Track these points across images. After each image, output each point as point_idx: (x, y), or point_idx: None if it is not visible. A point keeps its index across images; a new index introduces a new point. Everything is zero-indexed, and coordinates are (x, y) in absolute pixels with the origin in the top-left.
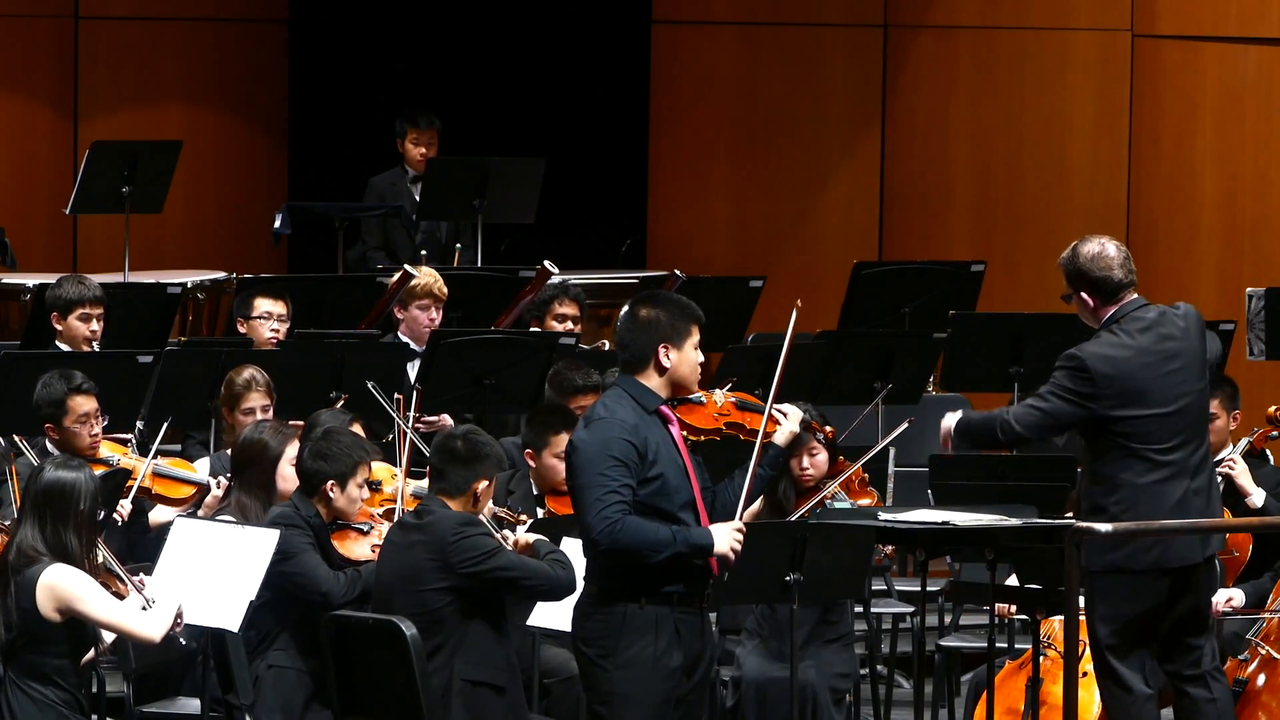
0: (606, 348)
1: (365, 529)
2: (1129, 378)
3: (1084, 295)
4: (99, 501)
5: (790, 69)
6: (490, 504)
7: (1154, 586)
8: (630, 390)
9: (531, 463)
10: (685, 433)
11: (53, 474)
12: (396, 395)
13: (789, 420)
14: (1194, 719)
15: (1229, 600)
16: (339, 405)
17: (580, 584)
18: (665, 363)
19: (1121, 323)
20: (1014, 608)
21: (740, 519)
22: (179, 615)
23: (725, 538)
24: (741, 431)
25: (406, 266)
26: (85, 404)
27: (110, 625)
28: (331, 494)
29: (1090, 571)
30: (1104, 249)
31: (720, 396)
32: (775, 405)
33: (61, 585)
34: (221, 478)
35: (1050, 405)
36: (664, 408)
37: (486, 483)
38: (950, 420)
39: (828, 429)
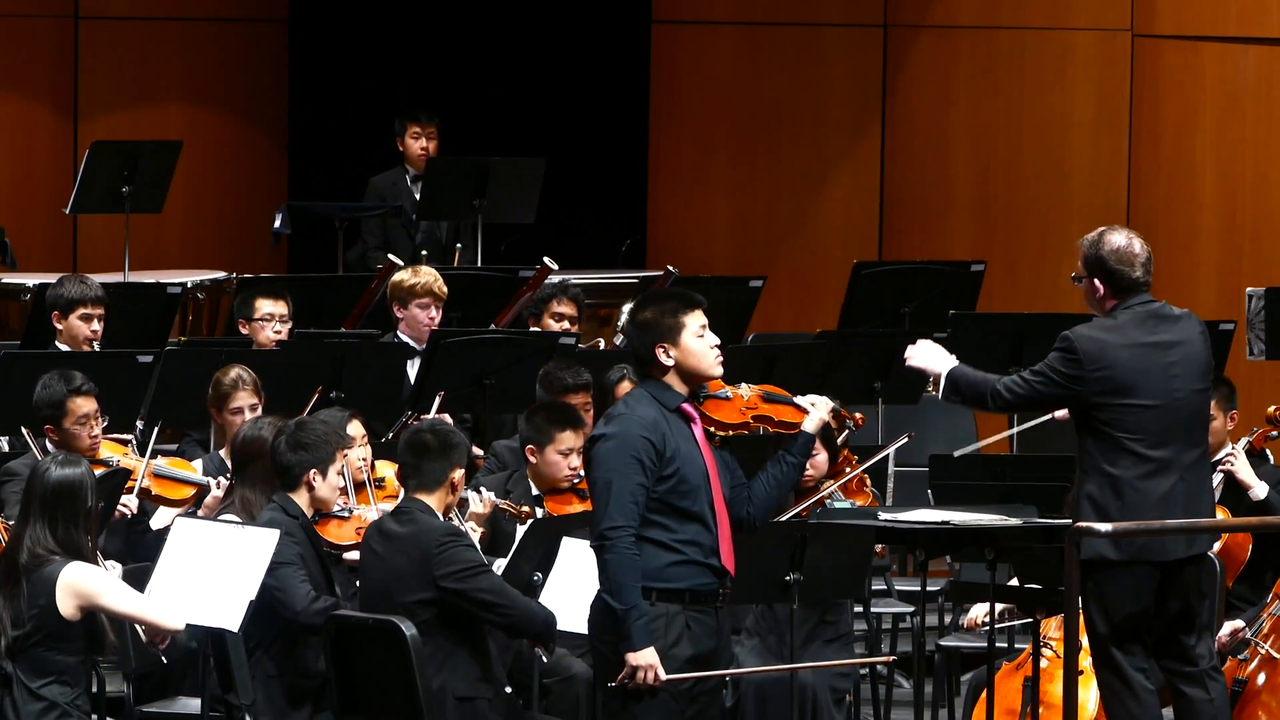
0: (602, 346)
1: (345, 515)
2: (1116, 365)
3: (1096, 282)
4: (99, 496)
5: (790, 69)
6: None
7: (1139, 579)
8: (651, 390)
9: (532, 459)
10: (713, 429)
11: (59, 472)
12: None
13: (818, 409)
14: (1190, 719)
15: (1234, 632)
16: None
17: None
18: (667, 361)
19: (1124, 311)
20: (979, 617)
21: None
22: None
23: (643, 659)
24: (769, 424)
25: (390, 256)
26: (85, 405)
27: (134, 617)
28: (314, 483)
29: (1081, 562)
30: (1131, 244)
31: (747, 390)
32: (803, 396)
33: (83, 583)
34: (221, 478)
35: (1038, 381)
36: (687, 406)
37: (461, 471)
38: (939, 364)
39: (857, 415)
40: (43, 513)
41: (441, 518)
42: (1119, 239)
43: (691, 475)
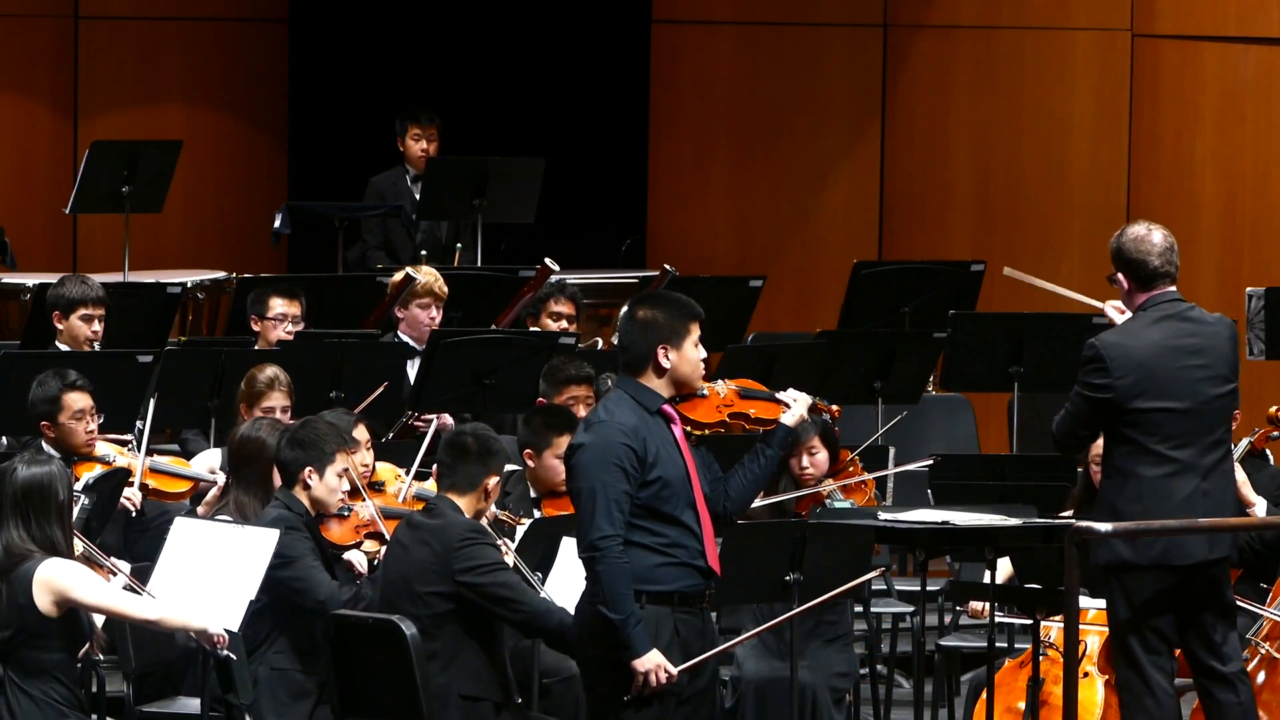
0: (600, 346)
1: (344, 513)
2: (1141, 367)
3: (1121, 276)
4: (72, 491)
5: (790, 69)
6: (492, 507)
7: (1162, 583)
8: (631, 391)
9: (530, 463)
10: (689, 429)
11: (26, 472)
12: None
13: (798, 404)
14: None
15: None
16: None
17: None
18: (665, 363)
19: (1148, 311)
20: (985, 606)
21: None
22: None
23: (650, 662)
24: (746, 421)
25: (409, 270)
26: (79, 400)
27: (107, 610)
28: (310, 481)
29: (1100, 566)
30: (1149, 234)
31: (723, 387)
32: (781, 392)
33: (57, 578)
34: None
35: (1074, 406)
36: (666, 407)
37: (496, 479)
38: None
39: (834, 408)
40: (15, 513)
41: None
42: (1138, 229)
43: (673, 479)
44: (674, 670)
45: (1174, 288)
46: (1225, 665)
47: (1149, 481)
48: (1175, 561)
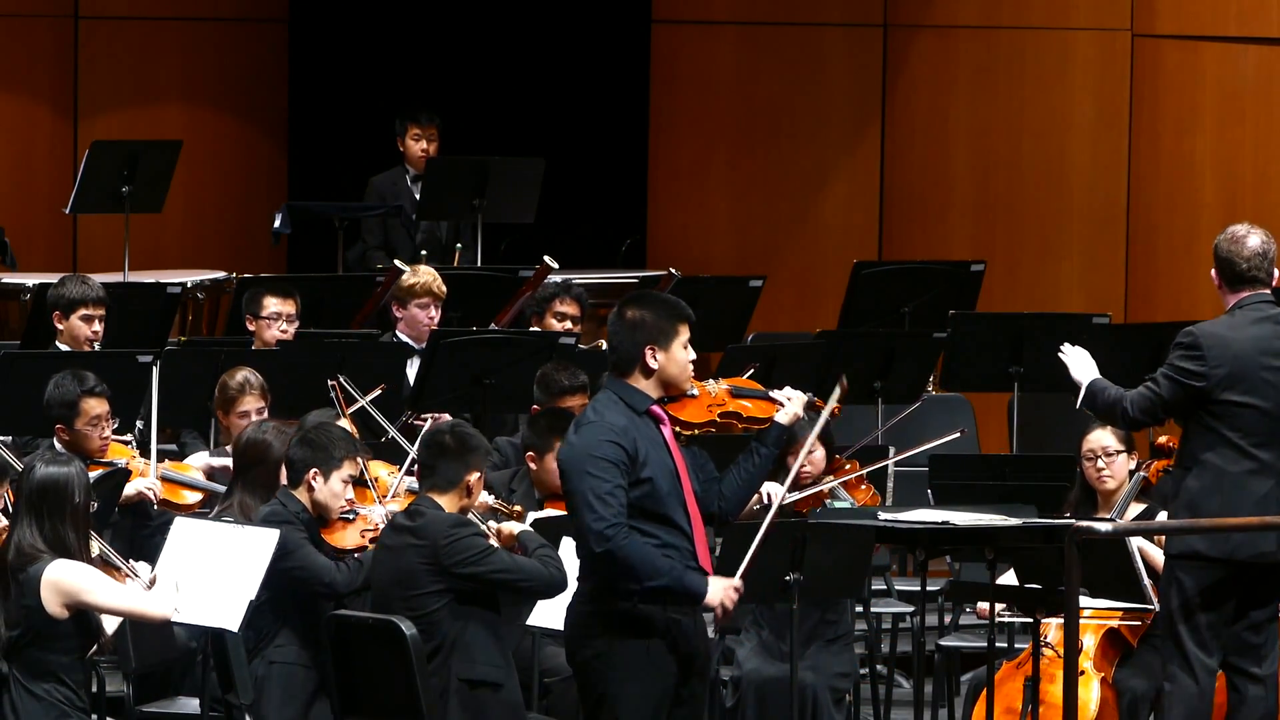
0: (604, 347)
1: (350, 517)
2: (1237, 359)
3: (1213, 272)
4: (91, 494)
5: (790, 69)
6: (486, 495)
7: (1224, 575)
8: (619, 392)
9: (533, 465)
10: (679, 429)
11: (45, 470)
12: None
13: (792, 403)
14: (1245, 713)
15: None
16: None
17: (573, 584)
18: (652, 364)
19: (1244, 310)
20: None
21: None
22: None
23: (719, 592)
24: (738, 420)
25: (397, 263)
26: (98, 406)
27: (121, 611)
28: (314, 483)
29: (1168, 555)
30: (1247, 236)
31: (714, 387)
32: (776, 390)
33: (66, 580)
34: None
35: (1162, 387)
36: (655, 408)
37: (477, 474)
38: (1082, 374)
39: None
40: (29, 511)
41: None
42: (1238, 229)
43: (663, 480)
44: (739, 583)
45: (1266, 291)
46: (1259, 668)
47: (1230, 477)
48: (1243, 556)
